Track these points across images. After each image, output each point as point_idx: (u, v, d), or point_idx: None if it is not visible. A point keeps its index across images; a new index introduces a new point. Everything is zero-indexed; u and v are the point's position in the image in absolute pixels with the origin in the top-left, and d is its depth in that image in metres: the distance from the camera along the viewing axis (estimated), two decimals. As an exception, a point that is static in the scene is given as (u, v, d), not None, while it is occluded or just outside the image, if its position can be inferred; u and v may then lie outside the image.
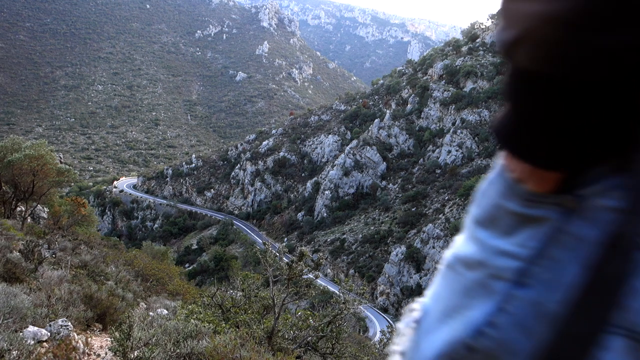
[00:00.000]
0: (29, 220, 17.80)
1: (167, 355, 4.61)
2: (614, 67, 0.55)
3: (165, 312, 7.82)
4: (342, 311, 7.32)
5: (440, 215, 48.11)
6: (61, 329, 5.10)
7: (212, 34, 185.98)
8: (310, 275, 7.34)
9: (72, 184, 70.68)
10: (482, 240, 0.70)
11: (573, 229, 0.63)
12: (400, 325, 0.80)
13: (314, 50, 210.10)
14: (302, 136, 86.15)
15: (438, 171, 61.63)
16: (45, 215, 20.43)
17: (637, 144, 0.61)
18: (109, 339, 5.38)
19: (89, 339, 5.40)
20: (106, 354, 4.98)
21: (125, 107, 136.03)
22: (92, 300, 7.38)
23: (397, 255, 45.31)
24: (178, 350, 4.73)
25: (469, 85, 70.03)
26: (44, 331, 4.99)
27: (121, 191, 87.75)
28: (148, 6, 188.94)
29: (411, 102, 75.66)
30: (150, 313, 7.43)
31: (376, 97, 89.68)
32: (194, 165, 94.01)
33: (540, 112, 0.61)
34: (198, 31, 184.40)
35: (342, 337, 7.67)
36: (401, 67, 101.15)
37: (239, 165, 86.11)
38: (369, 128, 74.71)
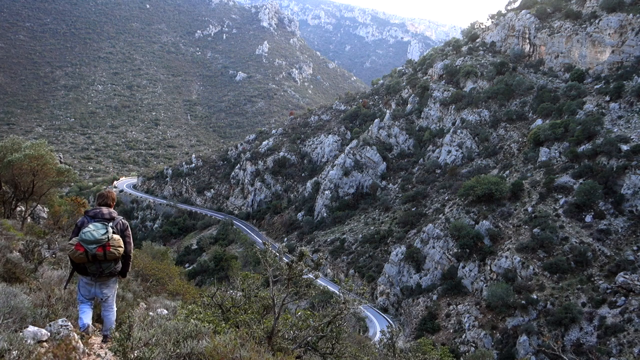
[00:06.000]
0: (29, 220, 17.79)
1: (167, 355, 4.61)
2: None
3: (165, 312, 7.82)
4: (342, 311, 7.32)
5: (440, 215, 48.05)
6: (61, 329, 5.10)
7: (212, 34, 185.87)
8: (310, 275, 7.33)
9: (72, 184, 70.60)
10: None
11: None
12: None
13: (314, 50, 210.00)
14: (302, 136, 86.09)
15: (438, 171, 61.57)
16: (45, 215, 20.41)
17: None
18: (109, 339, 5.38)
19: (89, 339, 5.40)
20: (106, 354, 4.97)
21: (125, 107, 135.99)
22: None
23: (397, 255, 45.28)
24: (178, 350, 4.74)
25: (469, 85, 69.99)
26: (44, 331, 4.99)
27: (121, 191, 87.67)
28: (148, 6, 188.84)
29: (411, 102, 75.64)
30: (150, 313, 7.43)
31: (376, 97, 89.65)
32: (193, 165, 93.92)
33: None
34: (198, 31, 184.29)
35: (342, 337, 7.67)
36: (401, 67, 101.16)
37: (239, 165, 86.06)
38: (369, 128, 74.67)
